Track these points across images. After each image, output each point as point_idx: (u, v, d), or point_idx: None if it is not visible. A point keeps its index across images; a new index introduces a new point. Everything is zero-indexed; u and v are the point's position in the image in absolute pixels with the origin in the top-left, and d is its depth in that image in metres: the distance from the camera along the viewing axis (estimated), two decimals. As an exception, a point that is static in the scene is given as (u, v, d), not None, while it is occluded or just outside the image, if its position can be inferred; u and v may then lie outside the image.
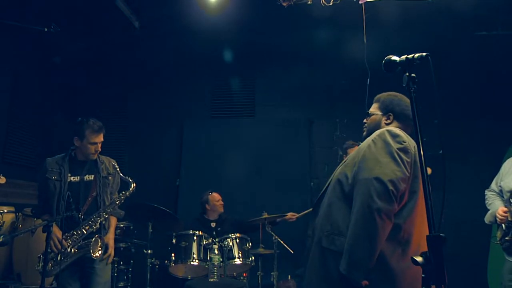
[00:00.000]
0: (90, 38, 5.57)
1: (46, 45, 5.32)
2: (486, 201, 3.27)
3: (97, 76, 5.99)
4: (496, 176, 3.28)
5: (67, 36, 4.91)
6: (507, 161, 3.23)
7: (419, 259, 1.24)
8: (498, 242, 3.05)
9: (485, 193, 3.33)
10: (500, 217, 2.98)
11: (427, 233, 1.26)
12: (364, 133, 2.06)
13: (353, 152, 1.91)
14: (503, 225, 2.99)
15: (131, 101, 5.94)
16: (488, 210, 3.20)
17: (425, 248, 1.26)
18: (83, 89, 5.94)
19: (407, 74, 1.45)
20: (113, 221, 3.01)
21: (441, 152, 1.49)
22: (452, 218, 3.13)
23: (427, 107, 1.68)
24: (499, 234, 3.06)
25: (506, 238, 2.94)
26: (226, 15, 4.84)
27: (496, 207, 3.09)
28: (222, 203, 4.48)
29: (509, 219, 2.93)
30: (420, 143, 1.37)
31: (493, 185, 3.29)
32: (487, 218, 3.19)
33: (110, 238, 2.92)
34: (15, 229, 3.90)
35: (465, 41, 5.11)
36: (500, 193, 3.19)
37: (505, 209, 2.99)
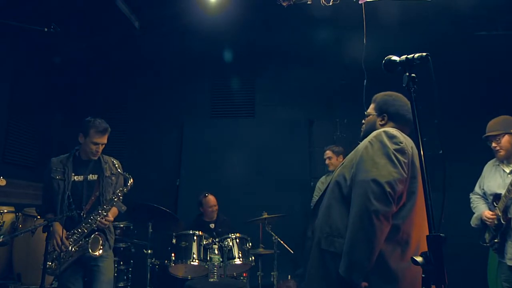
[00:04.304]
0: (90, 38, 5.57)
1: (46, 45, 5.32)
2: (471, 205, 3.33)
3: (97, 76, 6.00)
4: (479, 179, 3.34)
5: (67, 36, 4.91)
6: (487, 164, 3.29)
7: (419, 259, 1.24)
8: (487, 244, 3.08)
9: (470, 196, 3.38)
10: (488, 220, 3.02)
11: (427, 233, 1.25)
12: (361, 134, 2.06)
13: (351, 153, 1.91)
14: (491, 228, 3.02)
15: (131, 101, 5.95)
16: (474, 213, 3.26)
17: (424, 248, 1.26)
18: (83, 89, 5.95)
19: (407, 74, 1.45)
20: (114, 209, 2.98)
21: (441, 152, 1.48)
22: (452, 218, 3.13)
23: (427, 107, 1.68)
24: (487, 236, 3.09)
25: (495, 240, 2.97)
26: (226, 15, 4.84)
27: (481, 210, 3.14)
28: (216, 208, 4.45)
29: (496, 222, 2.95)
30: (420, 143, 1.37)
31: (476, 189, 3.34)
32: (473, 221, 3.24)
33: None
34: (15, 229, 3.90)
35: (465, 41, 5.11)
36: (484, 196, 3.23)
37: (491, 212, 3.02)
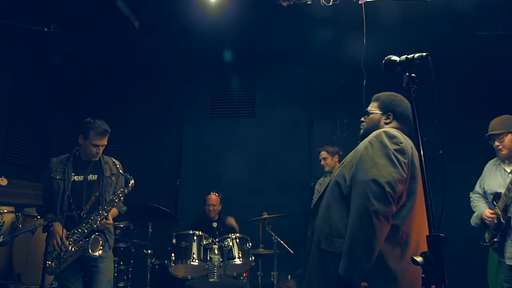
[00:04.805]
0: (90, 38, 5.57)
1: (46, 45, 5.32)
2: (471, 204, 3.33)
3: (97, 76, 6.00)
4: (480, 179, 3.34)
5: (67, 36, 4.91)
6: (488, 163, 3.29)
7: (419, 259, 1.25)
8: (487, 244, 3.08)
9: (470, 195, 3.39)
10: (488, 219, 3.02)
11: (427, 233, 1.25)
12: (361, 131, 2.04)
13: (351, 153, 1.90)
14: (491, 227, 3.02)
15: (131, 101, 5.94)
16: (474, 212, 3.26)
17: (424, 248, 1.26)
18: (83, 89, 5.94)
19: (407, 74, 1.45)
20: (113, 210, 2.97)
21: (441, 152, 1.49)
22: (452, 218, 3.13)
23: (427, 107, 1.68)
24: (487, 235, 3.09)
25: (495, 239, 2.97)
26: (226, 15, 4.84)
27: (481, 209, 3.14)
28: (215, 208, 4.43)
29: (495, 221, 2.95)
30: (420, 143, 1.37)
31: (477, 188, 3.34)
32: (473, 221, 3.24)
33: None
34: (15, 229, 3.90)
35: (465, 41, 5.11)
36: (484, 195, 3.23)
37: (491, 211, 3.02)
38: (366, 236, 1.58)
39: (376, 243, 1.59)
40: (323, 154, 4.46)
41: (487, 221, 3.04)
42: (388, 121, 1.96)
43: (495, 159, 3.21)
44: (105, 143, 2.96)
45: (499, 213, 2.92)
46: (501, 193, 2.94)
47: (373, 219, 1.57)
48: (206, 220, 4.45)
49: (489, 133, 3.08)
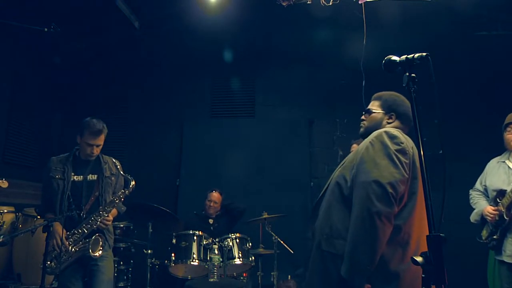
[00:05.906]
0: (90, 38, 5.58)
1: (46, 45, 5.32)
2: (471, 201, 3.33)
3: (97, 76, 6.00)
4: (481, 176, 3.33)
5: (67, 36, 4.91)
6: (491, 161, 3.28)
7: (419, 259, 1.24)
8: (485, 241, 3.07)
9: (470, 192, 3.38)
10: (490, 215, 3.01)
11: (427, 233, 1.25)
12: (362, 130, 2.01)
13: (351, 154, 1.89)
14: (490, 224, 3.02)
15: (131, 101, 5.94)
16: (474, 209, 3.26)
17: (424, 248, 1.26)
18: (83, 89, 5.94)
19: (407, 74, 1.45)
20: (113, 210, 2.96)
21: (441, 152, 1.49)
22: (452, 218, 3.13)
23: (427, 107, 1.68)
24: (484, 233, 3.09)
25: (494, 237, 2.96)
26: (226, 15, 4.85)
27: (482, 206, 3.14)
28: (216, 205, 4.45)
29: (497, 218, 2.95)
30: (420, 143, 1.37)
31: (477, 185, 3.34)
32: (473, 217, 3.24)
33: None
34: (15, 229, 3.90)
35: (465, 41, 5.11)
36: (485, 192, 3.24)
37: (493, 207, 3.01)
38: (369, 237, 1.57)
39: (379, 245, 1.57)
40: (355, 147, 4.26)
41: (488, 218, 3.02)
42: (390, 121, 1.95)
43: (499, 157, 3.20)
44: (100, 142, 2.92)
45: (503, 210, 2.90)
46: (505, 190, 2.93)
47: (376, 221, 1.56)
48: (203, 215, 4.47)
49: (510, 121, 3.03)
